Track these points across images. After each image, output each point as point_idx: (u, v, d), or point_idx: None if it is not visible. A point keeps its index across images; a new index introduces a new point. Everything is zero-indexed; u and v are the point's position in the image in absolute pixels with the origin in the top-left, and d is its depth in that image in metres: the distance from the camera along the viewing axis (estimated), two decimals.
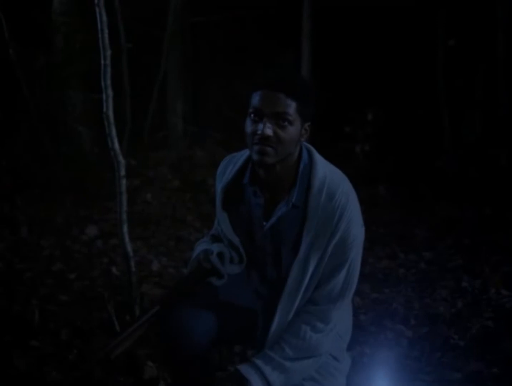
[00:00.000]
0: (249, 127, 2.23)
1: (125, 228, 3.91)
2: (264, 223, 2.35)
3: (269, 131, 2.16)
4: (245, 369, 2.30)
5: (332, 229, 2.25)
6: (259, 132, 2.17)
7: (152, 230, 6.51)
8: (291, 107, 2.19)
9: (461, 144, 8.93)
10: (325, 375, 2.39)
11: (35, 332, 4.07)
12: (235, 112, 9.72)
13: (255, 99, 2.21)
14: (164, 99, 9.61)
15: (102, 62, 3.71)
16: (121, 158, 3.83)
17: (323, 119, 8.75)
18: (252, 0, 9.59)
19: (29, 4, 8.02)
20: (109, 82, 3.74)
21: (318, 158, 2.35)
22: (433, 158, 8.78)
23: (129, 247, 3.95)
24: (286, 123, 2.18)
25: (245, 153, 2.46)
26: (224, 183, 2.43)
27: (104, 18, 3.68)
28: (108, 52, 3.71)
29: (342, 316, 2.43)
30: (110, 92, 3.75)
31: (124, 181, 3.86)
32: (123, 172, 3.84)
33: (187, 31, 9.84)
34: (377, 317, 4.42)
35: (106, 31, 3.69)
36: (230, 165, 2.47)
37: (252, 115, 2.22)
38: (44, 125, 7.70)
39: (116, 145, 3.81)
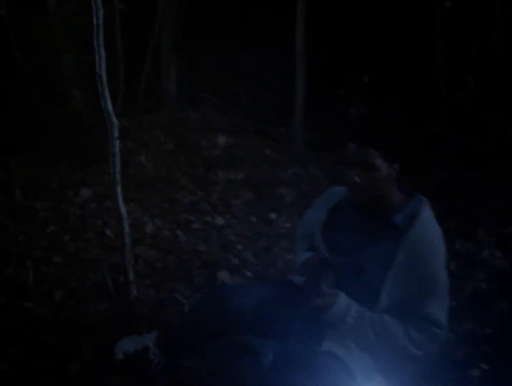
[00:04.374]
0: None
1: (119, 190, 3.90)
2: (356, 239, 2.68)
3: (357, 179, 2.59)
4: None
5: (428, 259, 2.53)
6: (350, 180, 2.61)
7: (146, 192, 6.49)
8: (375, 156, 2.61)
9: (456, 108, 8.89)
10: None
11: (30, 293, 4.08)
12: (230, 75, 9.68)
13: (347, 151, 2.64)
14: (158, 61, 9.54)
15: (95, 21, 3.65)
16: (114, 119, 3.80)
17: (318, 82, 8.74)
18: None
19: None
20: (101, 42, 3.69)
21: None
22: (427, 121, 8.73)
23: (122, 209, 3.94)
24: (373, 171, 2.60)
25: None
26: (331, 206, 2.88)
27: None
28: (101, 12, 3.65)
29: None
30: (102, 52, 3.70)
31: (117, 143, 3.84)
32: (116, 133, 3.82)
33: None
34: None
35: None
36: (335, 193, 2.93)
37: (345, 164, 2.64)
38: (37, 88, 7.64)
39: (109, 105, 3.78)
